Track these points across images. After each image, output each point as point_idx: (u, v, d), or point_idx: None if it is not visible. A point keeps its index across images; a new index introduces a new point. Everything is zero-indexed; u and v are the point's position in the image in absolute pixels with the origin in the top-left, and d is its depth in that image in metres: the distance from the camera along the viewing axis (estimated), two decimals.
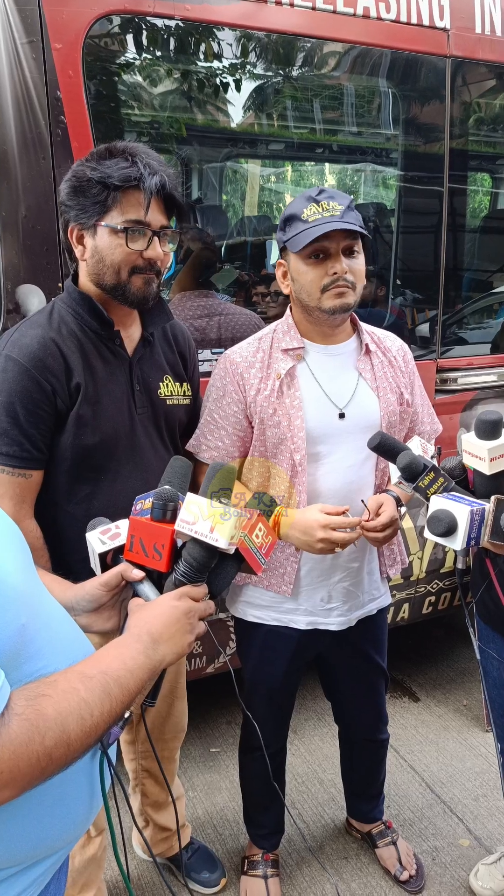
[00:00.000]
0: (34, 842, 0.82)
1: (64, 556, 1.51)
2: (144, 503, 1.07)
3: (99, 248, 1.41)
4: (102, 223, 1.38)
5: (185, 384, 1.64)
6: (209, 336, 2.24)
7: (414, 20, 2.28)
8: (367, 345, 1.66)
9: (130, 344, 1.54)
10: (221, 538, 0.95)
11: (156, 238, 1.41)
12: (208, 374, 2.17)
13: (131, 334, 1.54)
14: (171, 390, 1.60)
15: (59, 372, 1.41)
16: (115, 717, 0.82)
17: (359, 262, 1.55)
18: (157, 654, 0.89)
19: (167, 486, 1.05)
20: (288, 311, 1.68)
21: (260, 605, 1.75)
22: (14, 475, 1.43)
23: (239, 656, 1.88)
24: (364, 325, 1.71)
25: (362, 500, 1.60)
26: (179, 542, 1.01)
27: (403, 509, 1.63)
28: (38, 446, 1.43)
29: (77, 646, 0.90)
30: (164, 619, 0.93)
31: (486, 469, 1.30)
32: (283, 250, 1.59)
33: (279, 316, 1.71)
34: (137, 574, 1.01)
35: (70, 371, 1.43)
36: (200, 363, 2.17)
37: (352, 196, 1.59)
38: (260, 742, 1.83)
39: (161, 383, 1.58)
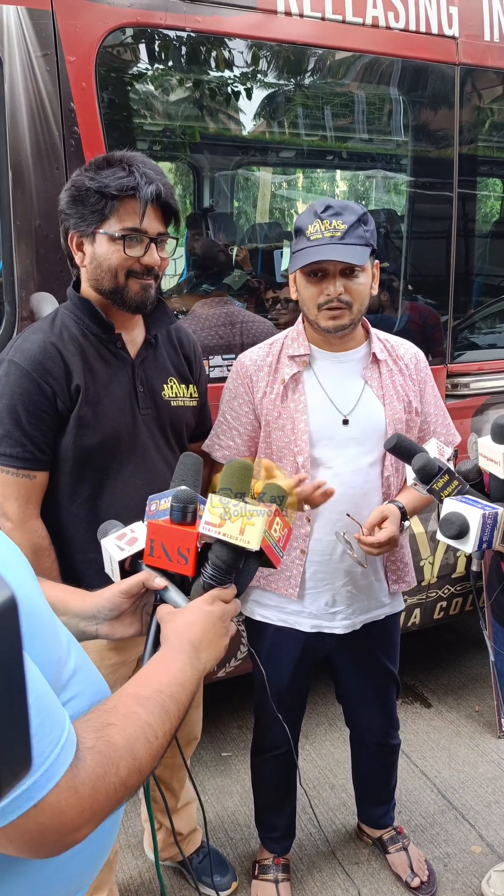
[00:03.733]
0: (79, 873, 0.81)
1: (68, 556, 1.54)
2: (160, 504, 1.04)
3: (97, 254, 1.45)
4: (101, 231, 1.42)
5: (191, 386, 1.66)
6: (233, 343, 2.27)
7: (423, 29, 2.30)
8: (374, 353, 1.67)
9: (133, 347, 1.57)
10: (253, 541, 0.93)
11: (153, 245, 1.45)
12: (222, 379, 2.21)
13: (134, 337, 1.57)
14: (176, 392, 1.62)
15: (58, 374, 1.45)
16: (173, 734, 0.81)
17: (358, 283, 1.55)
18: (200, 662, 0.88)
19: (184, 487, 1.03)
20: (300, 317, 1.71)
21: (267, 605, 1.78)
22: (18, 476, 1.45)
23: (249, 655, 1.90)
24: (378, 333, 1.72)
25: (347, 514, 1.61)
26: (200, 544, 0.99)
27: (407, 523, 1.63)
28: (40, 447, 1.46)
29: (90, 671, 0.88)
30: (200, 626, 0.91)
31: (502, 473, 1.31)
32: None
33: (290, 323, 1.73)
34: (161, 583, 0.98)
35: (70, 373, 1.46)
36: (212, 369, 2.20)
37: (363, 204, 1.61)
38: (275, 742, 1.85)
39: (165, 385, 1.60)
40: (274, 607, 1.76)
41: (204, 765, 2.52)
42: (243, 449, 1.70)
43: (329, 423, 1.63)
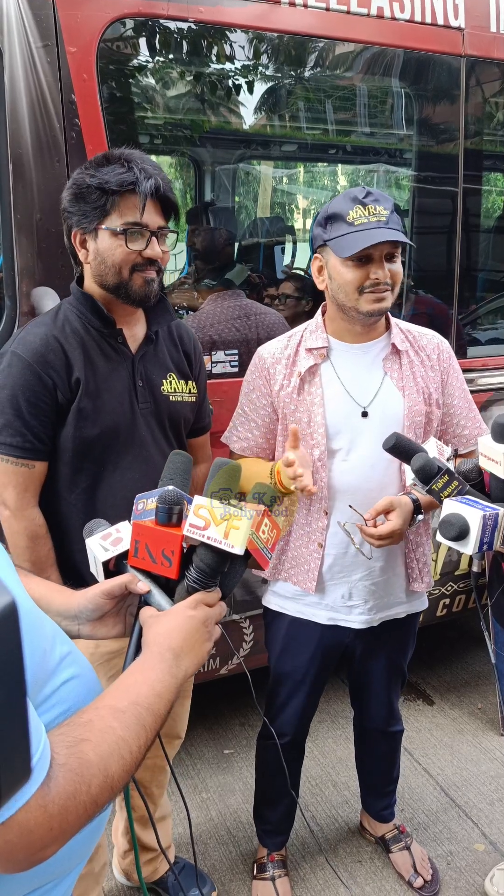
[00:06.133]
0: (74, 850, 0.81)
1: (66, 546, 1.56)
2: (147, 503, 1.02)
3: (100, 250, 1.47)
4: (103, 226, 1.45)
5: (190, 382, 1.68)
6: (249, 336, 2.26)
7: (428, 20, 2.27)
8: (394, 343, 1.65)
9: (134, 342, 1.59)
10: (237, 545, 0.91)
11: (154, 238, 1.47)
12: (221, 375, 2.19)
13: (135, 333, 1.59)
14: (175, 388, 1.64)
15: (59, 367, 1.47)
16: (149, 747, 0.79)
17: (398, 267, 1.57)
18: (181, 669, 0.86)
19: (170, 487, 1.01)
20: (320, 309, 1.70)
21: (284, 596, 1.78)
22: (18, 465, 1.48)
23: (266, 645, 1.90)
24: (399, 323, 1.70)
25: (350, 506, 1.60)
26: (185, 546, 0.97)
27: (420, 517, 1.60)
28: (40, 438, 1.48)
29: (80, 656, 0.87)
30: (183, 632, 0.89)
31: (502, 473, 1.29)
32: (321, 246, 1.59)
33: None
34: (144, 587, 0.96)
35: (70, 366, 1.48)
36: (213, 365, 2.19)
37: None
38: (280, 730, 1.85)
39: (164, 380, 1.62)
40: (291, 598, 1.76)
41: (206, 762, 2.51)
42: (261, 441, 1.71)
43: (347, 415, 1.62)
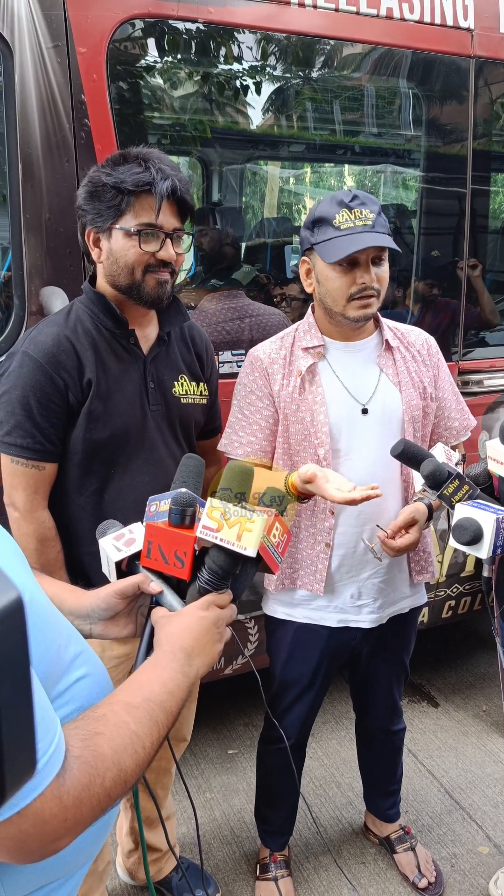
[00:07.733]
0: (83, 847, 0.81)
1: (74, 548, 1.55)
2: (160, 505, 1.03)
3: (114, 250, 1.45)
4: (117, 226, 1.43)
5: (201, 384, 1.67)
6: (241, 338, 2.25)
7: (438, 21, 2.27)
8: (387, 340, 1.66)
9: (146, 343, 1.57)
10: (250, 546, 0.92)
11: (168, 240, 1.45)
12: (229, 375, 2.19)
13: (147, 334, 1.58)
14: (186, 389, 1.63)
15: (71, 368, 1.46)
16: (161, 743, 0.80)
17: (384, 270, 1.57)
18: (192, 669, 0.87)
19: (184, 489, 1.02)
20: (310, 309, 1.70)
21: (290, 603, 1.76)
22: (28, 467, 1.47)
23: (268, 653, 1.88)
24: (387, 322, 1.71)
25: (378, 525, 1.61)
26: (198, 548, 0.98)
27: (430, 521, 1.62)
28: (50, 439, 1.47)
29: (93, 655, 0.88)
30: (194, 632, 0.90)
31: None
32: (308, 249, 1.59)
33: (299, 318, 1.72)
34: (156, 588, 0.97)
35: (82, 367, 1.47)
36: (220, 365, 2.19)
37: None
38: (285, 733, 1.84)
39: (176, 382, 1.61)
40: (298, 605, 1.75)
41: (210, 762, 2.52)
42: (265, 443, 1.69)
43: (348, 413, 1.62)
